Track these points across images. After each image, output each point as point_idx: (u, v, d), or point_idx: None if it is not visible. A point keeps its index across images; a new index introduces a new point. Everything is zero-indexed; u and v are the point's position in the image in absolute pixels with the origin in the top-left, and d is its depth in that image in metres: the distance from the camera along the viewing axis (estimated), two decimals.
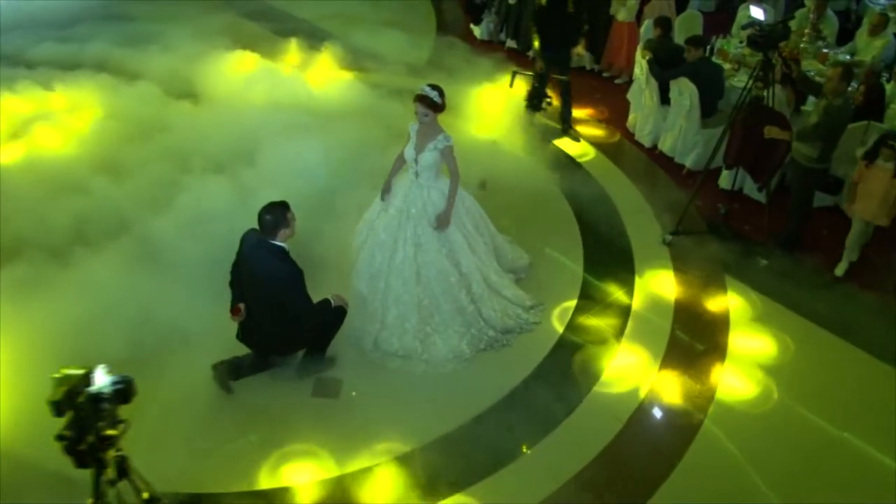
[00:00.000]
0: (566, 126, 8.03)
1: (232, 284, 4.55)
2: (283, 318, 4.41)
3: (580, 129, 8.18)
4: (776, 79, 6.05)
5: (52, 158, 6.80)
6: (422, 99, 4.85)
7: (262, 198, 4.43)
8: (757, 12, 6.63)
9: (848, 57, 7.74)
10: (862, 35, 8.23)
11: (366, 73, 9.00)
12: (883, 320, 5.45)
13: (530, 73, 8.04)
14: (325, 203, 5.87)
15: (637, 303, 5.61)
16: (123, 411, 3.06)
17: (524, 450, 4.42)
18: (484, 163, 6.78)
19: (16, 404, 4.43)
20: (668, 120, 7.57)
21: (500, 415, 4.64)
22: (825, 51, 7.85)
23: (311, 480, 4.17)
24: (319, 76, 8.61)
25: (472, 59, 9.19)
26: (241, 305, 4.44)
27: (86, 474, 3.95)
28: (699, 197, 6.56)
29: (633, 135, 8.09)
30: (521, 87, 8.20)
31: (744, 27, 6.24)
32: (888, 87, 6.86)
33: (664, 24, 7.75)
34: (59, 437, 2.86)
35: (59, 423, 4.11)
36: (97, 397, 2.89)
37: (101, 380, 2.92)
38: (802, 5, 9.13)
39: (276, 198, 4.38)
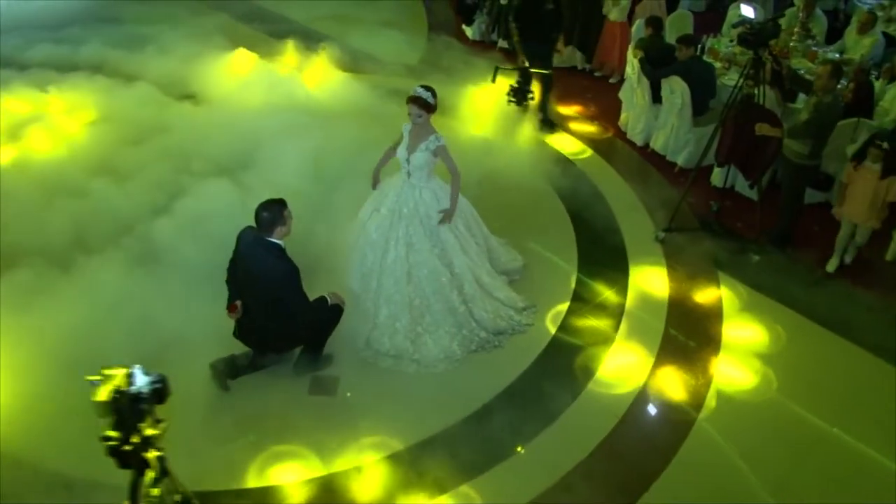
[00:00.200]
0: (542, 116, 8.00)
1: (228, 282, 4.57)
2: (279, 315, 4.43)
3: (573, 126, 8.22)
4: (767, 77, 6.11)
5: (49, 161, 6.76)
6: (415, 100, 4.87)
7: (261, 198, 4.43)
8: (747, 10, 6.70)
9: (837, 55, 7.81)
10: (851, 33, 8.30)
11: (362, 73, 9.00)
12: (875, 315, 5.52)
13: (512, 68, 8.02)
14: (323, 203, 5.88)
15: (630, 300, 5.65)
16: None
17: (518, 448, 4.44)
18: (477, 162, 6.77)
19: (16, 405, 4.44)
20: (660, 118, 7.62)
21: (494, 413, 4.66)
22: (814, 49, 7.92)
23: (305, 479, 4.19)
24: (316, 77, 8.60)
25: (465, 59, 9.19)
26: (238, 303, 4.46)
27: (85, 474, 4.02)
28: (691, 194, 6.60)
29: (625, 133, 8.13)
30: (505, 83, 8.16)
31: (734, 25, 6.30)
32: (877, 85, 6.93)
33: (655, 23, 7.80)
34: (105, 439, 2.85)
35: (60, 425, 4.22)
36: (137, 397, 2.89)
37: (141, 380, 2.91)
38: (791, 4, 9.19)
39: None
